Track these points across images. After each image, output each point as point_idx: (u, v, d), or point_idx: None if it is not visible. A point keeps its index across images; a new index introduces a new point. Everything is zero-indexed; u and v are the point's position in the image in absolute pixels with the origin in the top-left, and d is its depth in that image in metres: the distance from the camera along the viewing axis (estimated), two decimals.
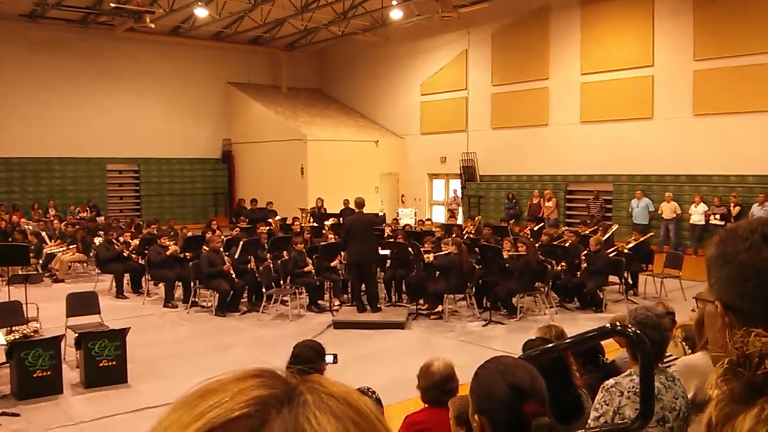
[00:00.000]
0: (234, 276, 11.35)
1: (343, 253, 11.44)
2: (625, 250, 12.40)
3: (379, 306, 10.81)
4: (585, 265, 11.26)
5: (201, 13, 21.22)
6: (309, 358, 4.24)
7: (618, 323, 2.42)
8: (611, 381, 2.95)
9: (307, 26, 24.01)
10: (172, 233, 14.45)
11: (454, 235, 12.53)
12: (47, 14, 21.26)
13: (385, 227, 15.32)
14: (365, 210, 11.42)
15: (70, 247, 14.91)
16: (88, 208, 21.90)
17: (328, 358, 4.38)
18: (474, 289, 11.02)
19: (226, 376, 0.62)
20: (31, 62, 22.14)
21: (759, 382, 0.74)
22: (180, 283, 12.16)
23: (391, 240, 12.56)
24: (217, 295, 11.17)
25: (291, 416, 0.57)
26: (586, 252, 11.44)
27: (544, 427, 1.56)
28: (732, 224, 1.22)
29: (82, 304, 8.94)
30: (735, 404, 0.74)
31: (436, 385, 3.65)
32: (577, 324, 9.60)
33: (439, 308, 10.83)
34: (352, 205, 18.26)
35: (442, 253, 11.08)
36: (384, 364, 8.42)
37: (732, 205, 16.06)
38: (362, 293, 10.87)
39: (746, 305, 1.10)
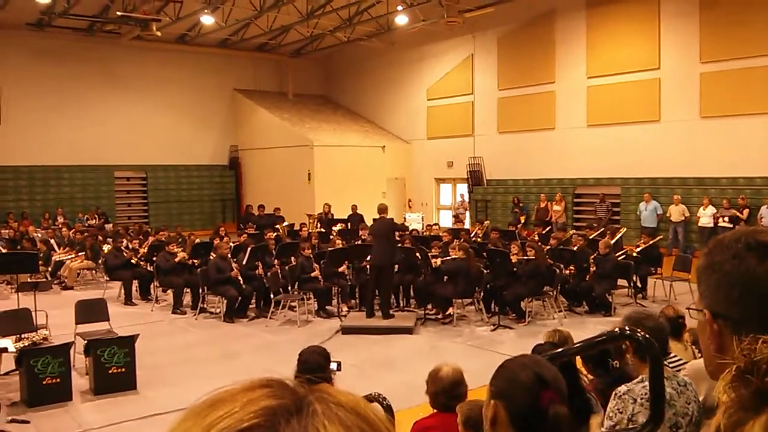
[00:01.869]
0: (242, 282, 11.37)
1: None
2: (634, 254, 12.36)
3: (391, 313, 10.77)
4: (593, 268, 11.22)
5: (207, 20, 21.30)
6: (318, 363, 4.26)
7: (627, 328, 2.41)
8: (623, 388, 2.94)
9: (313, 33, 24.07)
10: (180, 240, 14.49)
11: (461, 240, 12.51)
12: (54, 23, 21.37)
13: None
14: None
15: (79, 254, 14.97)
16: (96, 216, 21.98)
17: (332, 366, 4.38)
18: (482, 294, 11.00)
19: (235, 386, 0.62)
20: (38, 71, 22.28)
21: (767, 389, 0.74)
22: (188, 290, 12.17)
23: (399, 245, 12.54)
24: (226, 301, 11.19)
25: (300, 426, 0.57)
26: (594, 256, 11.40)
27: (562, 416, 1.55)
28: (719, 236, 1.27)
29: (91, 311, 8.96)
30: (744, 411, 0.74)
31: (445, 391, 3.65)
32: (585, 328, 9.57)
33: (450, 311, 10.81)
34: (360, 211, 18.34)
35: (449, 258, 11.07)
36: (392, 370, 8.41)
37: (741, 207, 15.99)
38: (375, 296, 10.84)
39: (734, 313, 1.13)
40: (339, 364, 4.47)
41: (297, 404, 0.59)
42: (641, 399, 2.82)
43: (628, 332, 2.58)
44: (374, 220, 11.43)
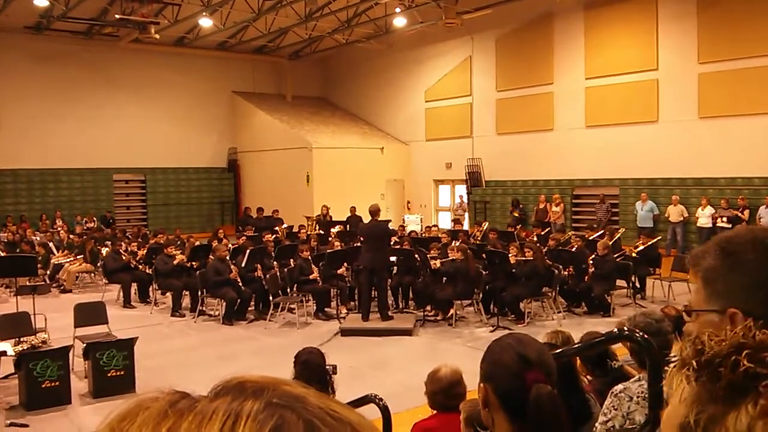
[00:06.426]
0: (241, 284, 11.36)
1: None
2: (633, 254, 12.37)
3: (390, 315, 10.76)
4: (592, 269, 11.23)
5: (205, 23, 21.32)
6: (317, 363, 4.29)
7: (626, 328, 2.41)
8: (620, 386, 2.94)
9: (311, 35, 24.09)
10: (179, 242, 14.48)
11: (460, 241, 12.52)
12: (52, 26, 21.38)
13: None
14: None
15: (78, 257, 14.96)
16: (95, 219, 21.96)
17: (328, 368, 4.40)
18: (481, 295, 11.00)
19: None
20: (36, 74, 22.27)
21: (740, 381, 0.74)
22: (187, 292, 12.16)
23: (398, 247, 12.55)
24: (224, 303, 11.18)
25: None
26: (593, 256, 11.40)
27: (544, 394, 1.55)
28: (725, 235, 1.28)
29: (89, 314, 8.95)
30: (715, 405, 0.74)
31: (443, 390, 3.65)
32: (584, 329, 9.48)
33: (451, 312, 10.80)
34: (358, 212, 18.32)
35: (449, 259, 11.07)
36: (392, 371, 8.41)
37: (741, 207, 15.98)
38: (373, 299, 10.83)
39: (758, 311, 1.14)
40: (335, 367, 4.50)
41: None
42: (637, 397, 2.82)
43: (627, 333, 2.59)
44: (350, 219, 11.36)
